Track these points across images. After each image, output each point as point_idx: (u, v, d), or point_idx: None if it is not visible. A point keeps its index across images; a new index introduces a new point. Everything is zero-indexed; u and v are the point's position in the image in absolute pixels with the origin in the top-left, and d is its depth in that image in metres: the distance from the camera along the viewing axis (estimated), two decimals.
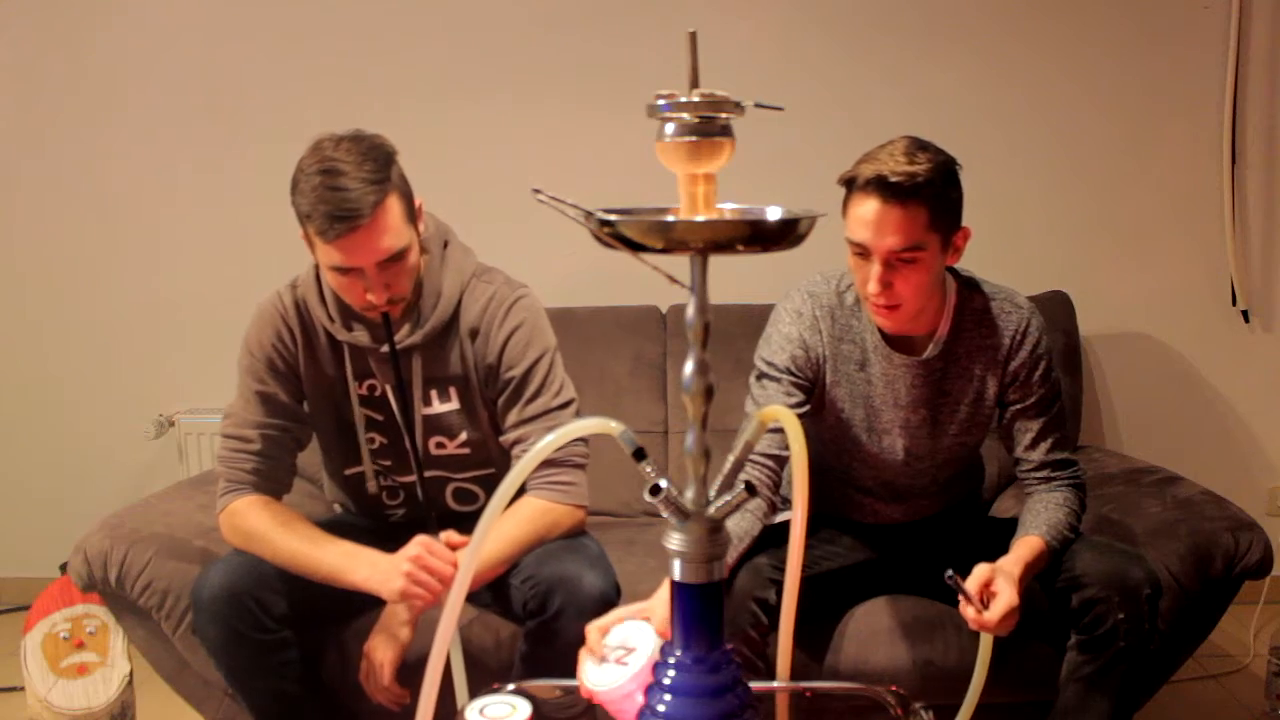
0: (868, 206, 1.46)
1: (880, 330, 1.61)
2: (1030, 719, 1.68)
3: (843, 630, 1.71)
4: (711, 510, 0.86)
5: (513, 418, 1.63)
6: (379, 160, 1.47)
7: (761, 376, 1.63)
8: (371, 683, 1.54)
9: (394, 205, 1.48)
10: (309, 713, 1.60)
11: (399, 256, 1.51)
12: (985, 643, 1.40)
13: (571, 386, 1.67)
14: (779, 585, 1.54)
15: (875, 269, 1.48)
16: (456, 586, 0.91)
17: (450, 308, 1.63)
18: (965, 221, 1.54)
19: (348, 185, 1.43)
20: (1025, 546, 1.52)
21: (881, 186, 1.44)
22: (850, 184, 1.49)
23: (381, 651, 1.52)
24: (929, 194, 1.45)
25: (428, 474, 1.68)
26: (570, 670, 1.18)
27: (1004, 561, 1.48)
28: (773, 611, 1.53)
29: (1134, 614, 1.48)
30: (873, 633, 1.70)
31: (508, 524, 1.54)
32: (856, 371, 1.64)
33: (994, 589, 1.41)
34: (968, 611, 1.40)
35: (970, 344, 1.61)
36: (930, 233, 1.47)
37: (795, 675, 1.20)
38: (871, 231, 1.46)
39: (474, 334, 1.65)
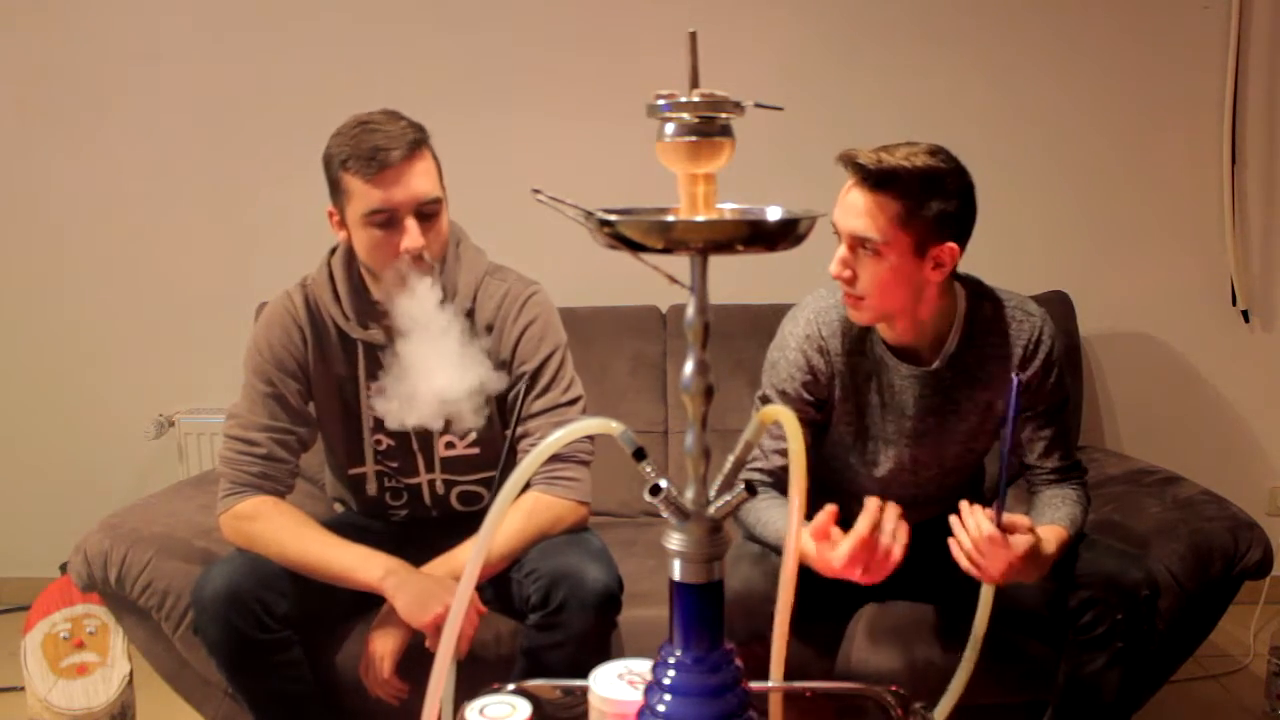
0: (845, 186, 1.51)
1: (886, 341, 1.61)
2: (1028, 719, 1.68)
3: (844, 631, 1.71)
4: (711, 510, 0.85)
5: (521, 412, 1.64)
6: (414, 125, 1.55)
7: (769, 403, 1.63)
8: (371, 676, 1.54)
9: (429, 158, 1.55)
10: (310, 713, 1.60)
11: (433, 211, 1.54)
12: (986, 594, 1.43)
13: (580, 384, 1.69)
14: (801, 591, 1.54)
15: (839, 250, 1.52)
16: (462, 584, 0.92)
17: (465, 305, 1.64)
18: None
19: (387, 129, 1.51)
20: (1052, 533, 1.51)
21: (852, 168, 1.48)
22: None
23: (383, 644, 1.53)
24: (901, 191, 1.44)
25: (436, 476, 1.70)
26: (573, 665, 1.18)
27: (1041, 532, 1.47)
28: (795, 616, 1.53)
29: (1132, 615, 1.49)
30: (873, 633, 1.70)
31: (511, 519, 1.55)
32: (864, 383, 1.63)
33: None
34: (978, 527, 1.41)
35: (980, 353, 1.60)
36: (897, 230, 1.46)
37: (800, 675, 1.20)
38: (840, 210, 1.50)
39: (489, 330, 1.66)
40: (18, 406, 2.69)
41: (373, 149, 1.48)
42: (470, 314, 1.64)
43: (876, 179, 1.45)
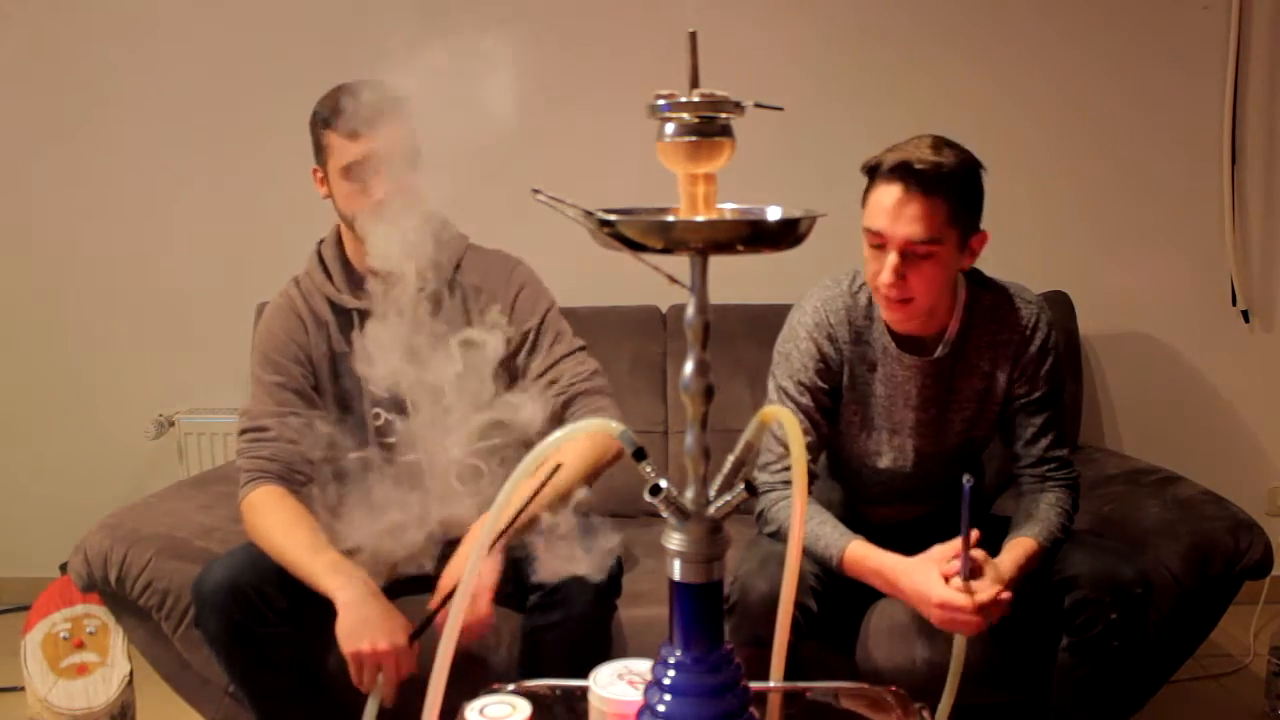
0: (889, 193, 1.46)
1: (891, 331, 1.61)
2: (1026, 719, 1.68)
3: (859, 629, 1.71)
4: (711, 510, 0.85)
5: (539, 364, 1.68)
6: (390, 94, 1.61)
7: (788, 396, 1.63)
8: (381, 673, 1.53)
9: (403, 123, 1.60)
10: (309, 709, 1.61)
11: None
12: (959, 642, 1.44)
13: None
14: (818, 593, 1.55)
15: (891, 259, 1.47)
16: (466, 577, 0.92)
17: (447, 275, 1.68)
18: None
19: (363, 94, 1.56)
20: (1020, 548, 1.52)
21: (906, 173, 1.45)
22: (874, 171, 1.50)
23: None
24: (951, 187, 1.45)
25: None
26: (574, 647, 1.17)
27: (998, 560, 1.48)
28: (812, 618, 1.54)
29: (1126, 614, 1.48)
30: (874, 633, 1.70)
31: (564, 459, 1.53)
32: (868, 372, 1.64)
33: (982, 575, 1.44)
34: (951, 592, 1.42)
35: (980, 340, 1.62)
36: (949, 228, 1.47)
37: (802, 675, 1.20)
38: (890, 219, 1.46)
39: (476, 292, 1.70)
40: (18, 406, 2.69)
41: (352, 110, 1.57)
42: (453, 284, 1.68)
43: (931, 181, 1.44)
